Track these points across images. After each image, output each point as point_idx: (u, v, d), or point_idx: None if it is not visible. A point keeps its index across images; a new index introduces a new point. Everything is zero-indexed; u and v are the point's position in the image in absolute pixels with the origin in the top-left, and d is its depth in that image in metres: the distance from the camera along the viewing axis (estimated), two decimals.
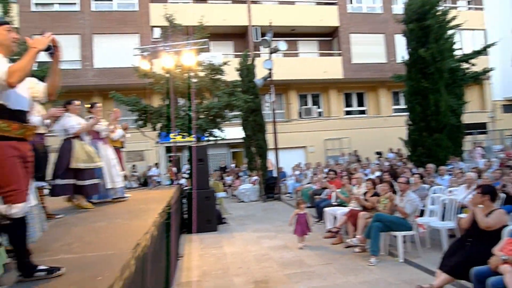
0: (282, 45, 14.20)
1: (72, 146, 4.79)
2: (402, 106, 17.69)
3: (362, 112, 20.78)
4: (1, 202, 2.04)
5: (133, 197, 6.22)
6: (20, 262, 2.02)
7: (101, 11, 17.08)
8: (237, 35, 19.05)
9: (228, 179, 15.74)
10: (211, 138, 14.05)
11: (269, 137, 14.77)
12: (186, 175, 12.17)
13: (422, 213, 6.34)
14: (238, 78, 14.80)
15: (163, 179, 15.95)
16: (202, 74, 13.45)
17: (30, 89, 2.34)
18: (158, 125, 13.52)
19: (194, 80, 12.95)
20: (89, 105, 5.60)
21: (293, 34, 19.45)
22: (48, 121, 4.25)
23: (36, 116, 3.91)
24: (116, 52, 16.24)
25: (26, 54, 2.11)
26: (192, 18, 14.81)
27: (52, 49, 2.38)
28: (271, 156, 14.90)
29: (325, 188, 9.35)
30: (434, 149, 11.02)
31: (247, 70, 14.95)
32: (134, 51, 11.69)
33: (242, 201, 13.29)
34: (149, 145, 16.81)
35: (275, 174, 14.28)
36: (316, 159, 17.31)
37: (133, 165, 16.84)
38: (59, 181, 4.71)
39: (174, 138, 11.06)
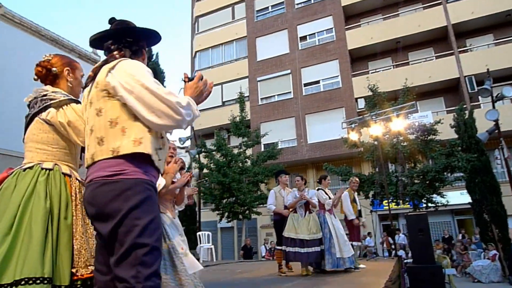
0: (507, 90, 12.09)
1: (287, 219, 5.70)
2: None
3: None
4: None
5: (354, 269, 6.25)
6: None
7: (311, 93, 19.36)
8: (446, 90, 17.54)
9: (456, 252, 13.51)
10: (430, 205, 12.73)
11: (507, 201, 12.15)
12: (403, 246, 11.30)
13: None
14: (455, 136, 13.30)
15: (379, 249, 15.20)
16: (412, 136, 12.83)
17: None
18: (371, 193, 13.40)
19: (404, 144, 12.50)
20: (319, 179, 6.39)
21: None
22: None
23: None
24: (325, 127, 17.75)
25: None
26: (396, 82, 14.82)
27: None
28: None
29: None
30: None
31: (464, 126, 13.30)
32: (342, 124, 12.47)
33: (479, 281, 11.00)
34: (363, 213, 16.64)
35: None
36: None
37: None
38: (288, 248, 5.53)
39: (388, 206, 10.67)
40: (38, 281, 1.44)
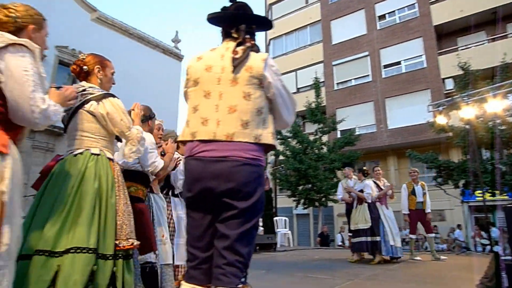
0: None
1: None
2: None
3: None
4: None
5: (438, 262, 5.87)
6: None
7: (391, 76, 18.16)
8: None
9: None
10: None
11: None
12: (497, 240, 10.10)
13: None
14: None
15: (470, 243, 13.90)
16: None
17: None
18: (461, 182, 12.26)
19: (503, 127, 11.15)
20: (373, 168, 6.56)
21: None
22: None
23: None
24: (407, 111, 16.59)
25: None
26: (492, 58, 13.24)
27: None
28: None
29: None
30: None
31: None
32: (428, 107, 11.53)
33: None
34: (451, 204, 15.39)
35: None
36: None
37: (434, 226, 15.73)
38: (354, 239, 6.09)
39: (482, 197, 9.65)
40: (84, 251, 1.69)
